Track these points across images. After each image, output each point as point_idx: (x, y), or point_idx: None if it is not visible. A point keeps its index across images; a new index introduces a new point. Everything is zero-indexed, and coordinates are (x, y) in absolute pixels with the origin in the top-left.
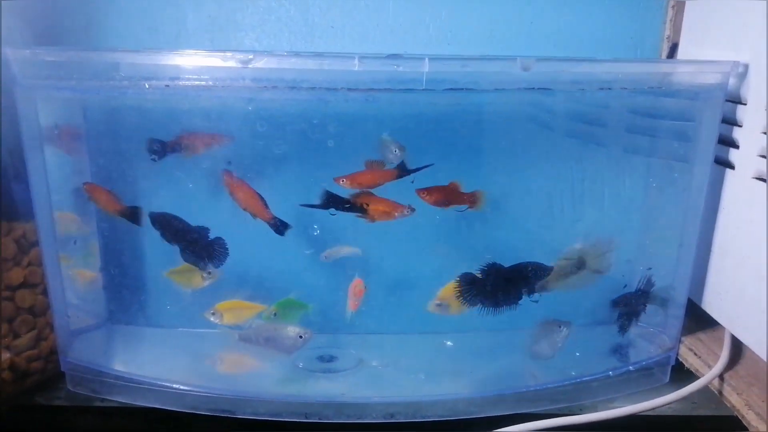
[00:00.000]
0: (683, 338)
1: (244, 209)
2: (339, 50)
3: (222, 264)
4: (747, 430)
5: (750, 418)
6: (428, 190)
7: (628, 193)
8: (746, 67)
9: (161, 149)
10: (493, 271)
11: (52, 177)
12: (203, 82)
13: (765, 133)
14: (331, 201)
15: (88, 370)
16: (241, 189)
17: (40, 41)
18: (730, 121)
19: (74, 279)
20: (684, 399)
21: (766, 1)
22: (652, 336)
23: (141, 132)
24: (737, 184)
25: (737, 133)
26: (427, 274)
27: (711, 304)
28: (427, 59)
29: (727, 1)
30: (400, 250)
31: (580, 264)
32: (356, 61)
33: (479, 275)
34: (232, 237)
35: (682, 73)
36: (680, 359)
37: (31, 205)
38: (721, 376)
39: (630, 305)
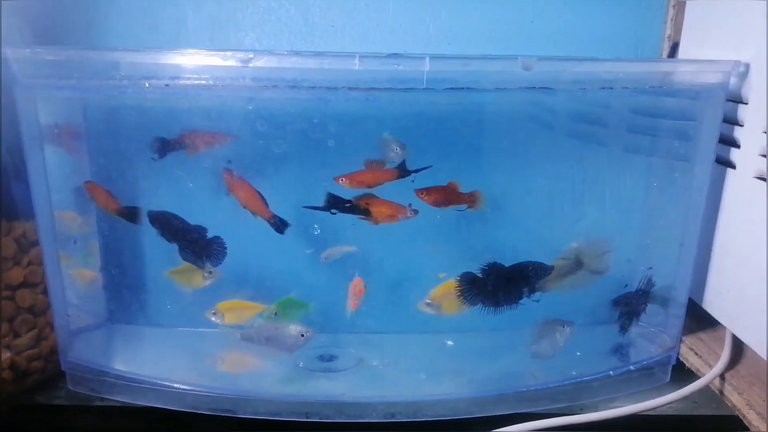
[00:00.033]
0: (684, 338)
1: (244, 207)
2: (339, 50)
3: (220, 263)
4: (748, 429)
5: (751, 417)
6: (427, 191)
7: (629, 192)
8: (747, 66)
9: (164, 147)
10: (493, 270)
11: (53, 176)
12: (203, 82)
13: (766, 132)
14: (334, 203)
15: (88, 369)
16: (241, 187)
17: (40, 41)
18: (731, 121)
19: (74, 278)
20: (685, 399)
21: (767, 0)
22: (653, 335)
23: (141, 131)
24: (738, 184)
25: (738, 133)
26: (428, 274)
27: (712, 304)
28: (428, 58)
29: (727, 1)
30: (400, 249)
31: (577, 264)
32: (357, 61)
33: (480, 275)
34: (233, 237)
35: (683, 73)
36: (681, 359)
37: (31, 204)
38: (722, 376)
39: (631, 305)
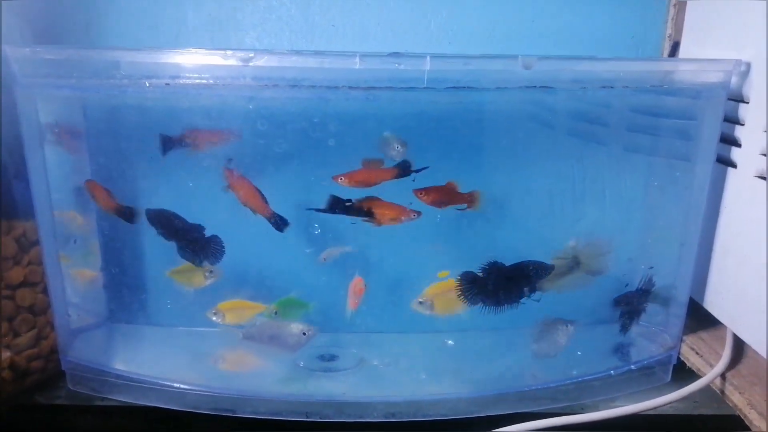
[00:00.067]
0: (685, 337)
1: (245, 205)
2: (340, 49)
3: (218, 261)
4: (749, 429)
5: (752, 417)
6: (426, 191)
7: (629, 191)
8: (748, 65)
9: (168, 144)
10: (494, 269)
11: (53, 176)
12: (204, 81)
13: (767, 131)
14: (338, 206)
15: (88, 369)
16: (241, 185)
17: (41, 41)
18: (732, 120)
19: (74, 278)
20: (686, 398)
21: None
22: (654, 335)
23: (141, 130)
24: (739, 183)
25: (739, 132)
26: (428, 274)
27: (713, 303)
28: (428, 57)
29: (728, 0)
30: (401, 249)
31: (575, 263)
32: (357, 60)
33: (480, 274)
34: (234, 236)
35: (684, 72)
36: (682, 358)
37: (31, 203)
38: (723, 376)
39: (631, 304)
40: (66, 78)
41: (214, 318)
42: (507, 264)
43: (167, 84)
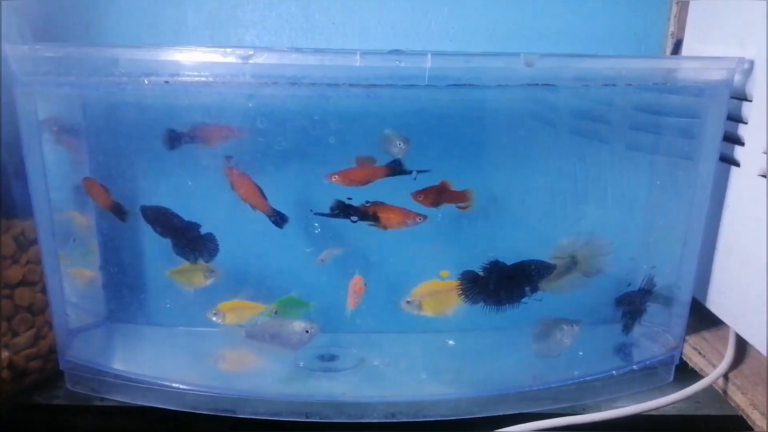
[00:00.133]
0: (687, 337)
1: (244, 201)
2: (340, 47)
3: (212, 258)
4: (752, 429)
5: (755, 417)
6: (423, 194)
7: (632, 190)
8: (752, 63)
9: (175, 140)
10: (495, 269)
11: (52, 174)
12: (203, 78)
13: None
14: (343, 210)
15: (87, 369)
16: (242, 181)
17: (40, 41)
18: (736, 118)
19: (73, 277)
20: (688, 398)
21: None
22: (656, 335)
23: (141, 128)
24: (742, 182)
25: (742, 130)
26: (429, 273)
27: (715, 303)
28: (429, 55)
29: None
30: (401, 248)
31: (572, 264)
32: (358, 57)
33: (481, 273)
34: (234, 236)
35: (687, 70)
36: (684, 358)
37: (29, 202)
38: (725, 376)
39: (634, 304)
40: (65, 76)
41: (214, 318)
42: (508, 263)
43: (166, 82)
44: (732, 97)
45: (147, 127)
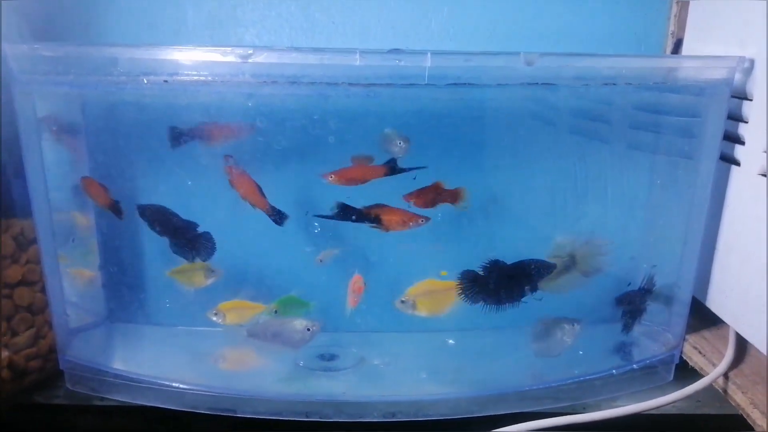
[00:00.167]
0: (687, 336)
1: (244, 199)
2: (340, 46)
3: (209, 258)
4: (752, 428)
5: (755, 416)
6: (415, 195)
7: (632, 189)
8: (752, 62)
9: (179, 137)
10: (495, 268)
11: (51, 173)
12: (202, 78)
13: None
14: (345, 213)
15: (87, 368)
16: (241, 180)
17: (40, 40)
18: (736, 117)
19: (73, 277)
20: (688, 398)
21: None
22: (656, 334)
23: (140, 127)
24: (743, 181)
25: (743, 129)
26: (429, 272)
27: (715, 302)
28: (429, 54)
29: None
30: (401, 247)
31: (571, 263)
32: (357, 56)
33: (481, 272)
34: (234, 235)
35: (687, 69)
36: (684, 358)
37: (29, 201)
38: (725, 375)
39: (634, 303)
40: (64, 75)
41: (214, 318)
42: (508, 262)
43: (165, 81)
44: (732, 96)
45: (146, 127)
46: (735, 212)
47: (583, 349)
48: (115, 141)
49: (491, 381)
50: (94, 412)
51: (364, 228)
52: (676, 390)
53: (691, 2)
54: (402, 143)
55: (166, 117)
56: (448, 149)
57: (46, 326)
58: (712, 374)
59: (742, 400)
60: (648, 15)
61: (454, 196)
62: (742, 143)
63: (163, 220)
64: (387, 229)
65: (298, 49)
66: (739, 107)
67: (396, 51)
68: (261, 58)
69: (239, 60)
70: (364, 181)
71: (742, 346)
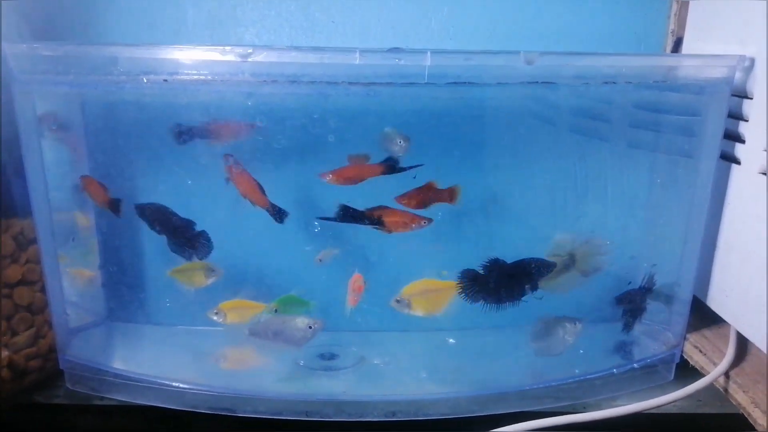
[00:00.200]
0: (688, 335)
1: (244, 197)
2: (340, 45)
3: (206, 256)
4: (753, 428)
5: (756, 415)
6: (407, 196)
7: (632, 188)
8: (752, 61)
9: (185, 135)
10: (495, 267)
11: (51, 173)
12: (202, 77)
13: None
14: (348, 215)
15: (87, 368)
16: (242, 178)
17: (40, 40)
18: (736, 116)
19: (73, 276)
20: (689, 397)
21: None
22: (657, 333)
23: (139, 127)
24: (743, 179)
25: (743, 128)
26: (429, 271)
27: (716, 301)
28: (429, 53)
29: None
30: (402, 247)
31: (570, 262)
32: (357, 55)
33: (481, 271)
34: (234, 235)
35: (687, 67)
36: (685, 357)
37: (28, 201)
38: (726, 374)
39: (634, 302)
40: (64, 75)
41: (215, 318)
42: (508, 261)
43: (165, 80)
44: (732, 95)
45: (146, 126)
46: (735, 211)
47: (584, 348)
48: (115, 140)
49: (491, 380)
50: (94, 412)
51: (363, 227)
52: (677, 389)
53: (691, 1)
54: (402, 142)
55: (166, 116)
56: (448, 148)
57: (45, 326)
58: (713, 373)
59: (743, 399)
60: (648, 14)
61: (448, 195)
62: (743, 142)
63: (162, 219)
64: (390, 231)
65: (297, 49)
66: (740, 106)
67: (396, 50)
68: (261, 57)
69: (239, 59)
70: (362, 180)
71: (743, 345)
